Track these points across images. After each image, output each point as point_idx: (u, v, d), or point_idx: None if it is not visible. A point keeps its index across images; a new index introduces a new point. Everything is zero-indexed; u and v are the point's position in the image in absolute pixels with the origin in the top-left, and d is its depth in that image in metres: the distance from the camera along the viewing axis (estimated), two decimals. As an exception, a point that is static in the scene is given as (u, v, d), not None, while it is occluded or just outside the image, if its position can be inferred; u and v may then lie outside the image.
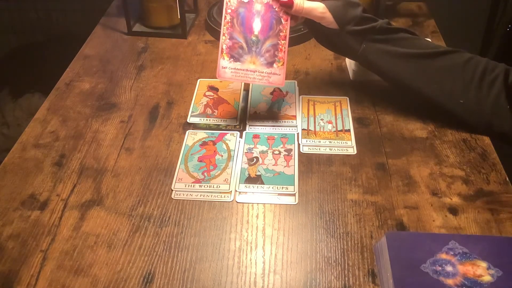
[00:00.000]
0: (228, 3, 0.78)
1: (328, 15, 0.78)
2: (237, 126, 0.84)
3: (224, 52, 0.78)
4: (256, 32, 0.78)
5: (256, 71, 0.79)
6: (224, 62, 0.78)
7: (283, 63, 0.79)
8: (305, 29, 1.06)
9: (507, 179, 0.73)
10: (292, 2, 0.77)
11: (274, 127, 0.84)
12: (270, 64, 0.79)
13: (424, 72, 0.79)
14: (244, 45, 0.78)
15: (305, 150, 0.79)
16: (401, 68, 0.80)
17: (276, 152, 0.78)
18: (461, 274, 0.55)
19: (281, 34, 0.79)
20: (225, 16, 0.78)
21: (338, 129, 0.83)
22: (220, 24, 0.79)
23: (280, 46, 0.79)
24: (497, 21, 1.47)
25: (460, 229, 0.66)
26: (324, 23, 0.79)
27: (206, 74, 0.97)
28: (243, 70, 0.78)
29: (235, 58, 0.78)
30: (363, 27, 0.79)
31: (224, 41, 0.78)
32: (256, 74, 0.79)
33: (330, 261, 0.62)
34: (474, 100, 0.78)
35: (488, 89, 0.77)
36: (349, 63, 0.97)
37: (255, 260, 0.63)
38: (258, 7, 0.78)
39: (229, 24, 0.78)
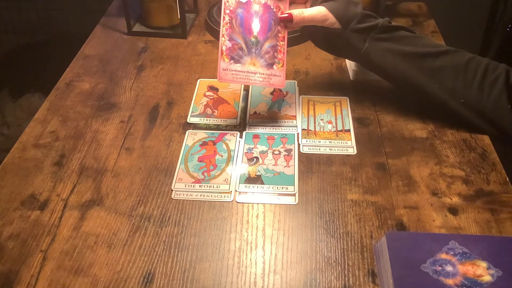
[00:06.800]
0: (227, 3, 0.76)
1: (330, 16, 0.78)
2: (237, 126, 0.84)
3: (224, 53, 0.76)
4: (255, 33, 0.78)
5: (257, 73, 0.78)
6: (225, 64, 0.76)
7: (283, 64, 0.79)
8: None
9: (507, 179, 0.73)
10: (291, 16, 0.77)
11: (274, 127, 0.84)
12: (270, 65, 0.78)
13: (426, 70, 0.79)
14: (244, 46, 0.77)
15: (305, 150, 0.79)
16: (404, 66, 0.79)
17: (276, 152, 0.78)
18: (461, 274, 0.55)
19: (279, 35, 0.79)
20: (223, 17, 0.76)
21: (338, 129, 0.83)
22: (220, 25, 0.78)
23: (279, 48, 0.79)
24: (497, 21, 1.47)
25: (460, 229, 0.66)
26: (327, 25, 0.79)
27: (206, 74, 0.97)
28: (244, 72, 0.77)
29: (235, 59, 0.77)
30: (366, 24, 0.78)
31: (224, 42, 0.76)
32: (257, 76, 0.78)
33: (330, 261, 0.62)
34: (475, 99, 0.78)
35: (489, 89, 0.77)
36: (349, 63, 0.97)
37: (255, 260, 0.63)
38: (256, 7, 0.78)
39: (228, 25, 0.76)
